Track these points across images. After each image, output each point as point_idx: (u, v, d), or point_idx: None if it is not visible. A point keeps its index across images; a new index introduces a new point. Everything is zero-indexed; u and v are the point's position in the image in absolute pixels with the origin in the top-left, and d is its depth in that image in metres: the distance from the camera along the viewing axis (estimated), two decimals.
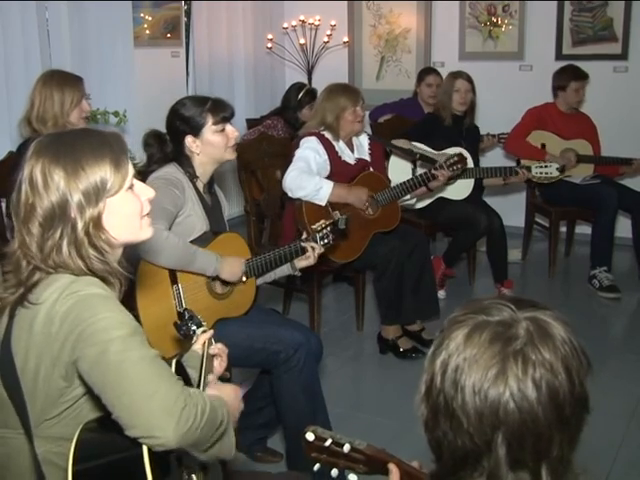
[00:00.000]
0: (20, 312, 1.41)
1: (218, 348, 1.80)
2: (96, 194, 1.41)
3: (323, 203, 3.38)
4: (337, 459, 1.31)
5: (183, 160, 2.57)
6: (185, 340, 1.84)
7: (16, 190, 1.43)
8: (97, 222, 1.42)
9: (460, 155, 3.84)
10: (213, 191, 2.69)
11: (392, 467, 1.27)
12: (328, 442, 1.31)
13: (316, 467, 1.34)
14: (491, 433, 0.95)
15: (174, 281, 2.42)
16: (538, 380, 0.94)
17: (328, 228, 2.69)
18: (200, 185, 2.60)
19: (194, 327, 1.79)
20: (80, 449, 1.36)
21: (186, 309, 1.84)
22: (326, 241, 2.69)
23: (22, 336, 1.40)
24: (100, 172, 1.41)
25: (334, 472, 1.33)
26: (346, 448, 1.30)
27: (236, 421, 1.59)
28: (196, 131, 2.54)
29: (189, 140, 2.55)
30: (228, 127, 2.57)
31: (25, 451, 1.43)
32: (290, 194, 3.41)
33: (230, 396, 1.60)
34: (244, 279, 2.56)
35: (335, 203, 3.43)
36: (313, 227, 2.73)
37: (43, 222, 1.40)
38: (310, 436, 1.32)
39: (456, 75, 4.34)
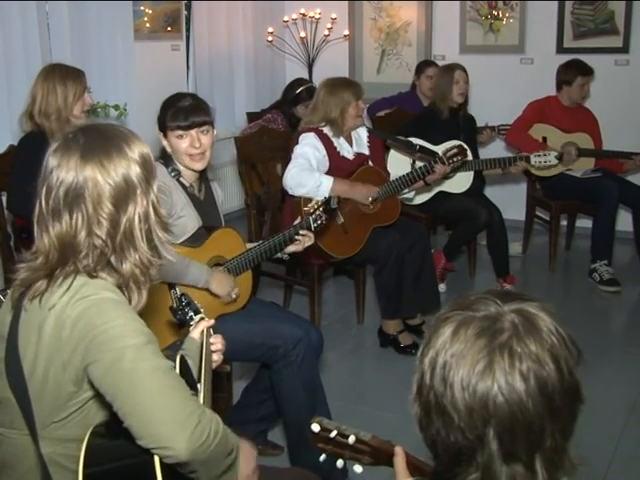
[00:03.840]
0: (28, 310, 1.38)
1: (218, 342, 1.77)
2: (148, 171, 1.44)
3: None
4: (342, 450, 1.33)
5: (167, 157, 2.52)
6: (182, 325, 1.79)
7: (52, 180, 1.38)
8: (155, 205, 1.45)
9: (460, 146, 3.80)
10: (205, 185, 2.63)
11: (398, 449, 1.28)
12: (333, 433, 1.32)
13: (322, 458, 1.35)
14: (482, 427, 0.96)
15: (171, 285, 2.37)
16: (526, 372, 0.94)
17: (320, 208, 2.68)
18: (187, 182, 2.54)
19: (191, 313, 1.73)
20: (91, 453, 1.34)
21: (183, 294, 1.78)
22: (319, 222, 2.67)
23: (31, 339, 1.37)
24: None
25: (339, 463, 1.34)
26: (351, 439, 1.31)
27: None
28: (164, 131, 2.50)
29: (161, 137, 2.51)
30: (191, 136, 2.45)
31: (31, 451, 1.42)
32: (291, 192, 3.39)
33: (245, 454, 1.55)
34: (234, 295, 2.51)
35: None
36: (305, 209, 2.71)
37: (115, 202, 1.38)
38: (316, 427, 1.33)
39: (452, 67, 4.30)
